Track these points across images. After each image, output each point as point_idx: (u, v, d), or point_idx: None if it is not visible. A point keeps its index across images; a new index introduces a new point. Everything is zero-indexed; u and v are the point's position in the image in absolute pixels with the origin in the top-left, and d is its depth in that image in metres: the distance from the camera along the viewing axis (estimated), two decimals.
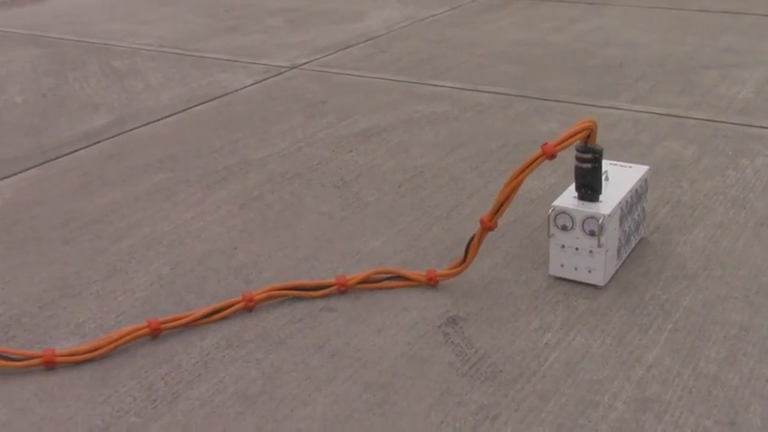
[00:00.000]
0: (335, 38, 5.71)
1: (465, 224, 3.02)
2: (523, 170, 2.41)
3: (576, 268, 2.58)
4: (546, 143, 2.42)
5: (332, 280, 2.62)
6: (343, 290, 2.60)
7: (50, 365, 2.30)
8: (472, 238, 2.57)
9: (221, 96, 4.58)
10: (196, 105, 4.44)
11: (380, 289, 2.63)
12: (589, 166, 2.52)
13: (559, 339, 2.37)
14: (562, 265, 2.60)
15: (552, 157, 2.39)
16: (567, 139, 2.39)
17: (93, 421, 2.11)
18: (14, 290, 2.73)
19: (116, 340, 2.37)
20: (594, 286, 2.59)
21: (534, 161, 2.40)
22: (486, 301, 2.56)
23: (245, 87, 4.72)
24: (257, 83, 4.80)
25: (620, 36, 5.58)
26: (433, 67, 4.99)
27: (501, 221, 2.59)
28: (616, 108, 4.20)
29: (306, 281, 2.66)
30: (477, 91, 4.52)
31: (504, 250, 2.83)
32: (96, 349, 2.35)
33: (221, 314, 2.50)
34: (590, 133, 2.47)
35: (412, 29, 5.94)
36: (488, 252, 2.76)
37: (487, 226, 2.51)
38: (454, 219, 3.09)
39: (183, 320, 2.45)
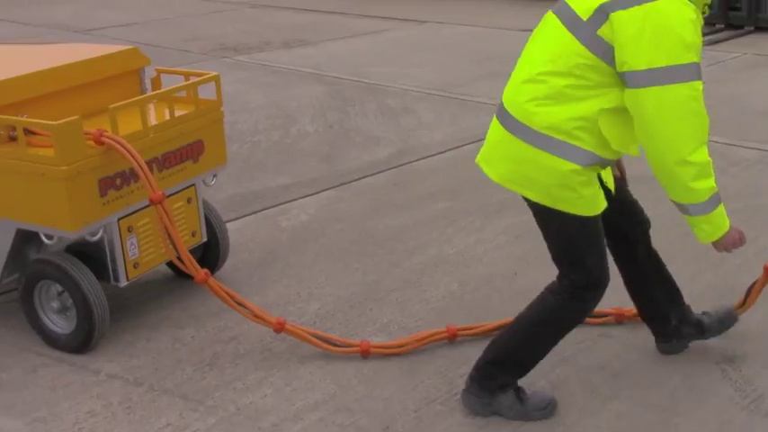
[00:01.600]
0: None
1: (736, 273, 3.13)
2: None
3: None
4: None
5: (610, 309, 2.84)
6: (621, 320, 2.81)
7: (365, 354, 2.70)
8: (754, 284, 2.69)
9: None
10: (467, 144, 4.83)
11: None
12: None
13: None
14: None
15: None
16: None
17: (406, 404, 2.47)
18: (327, 290, 3.18)
19: (420, 340, 2.73)
20: None
21: None
22: (762, 345, 2.67)
23: None
24: None
25: None
26: None
27: None
28: None
29: None
30: (744, 147, 4.56)
31: None
32: (403, 345, 2.72)
33: None
34: None
35: None
36: (763, 301, 2.85)
37: None
38: (726, 267, 3.21)
39: (477, 330, 2.78)
